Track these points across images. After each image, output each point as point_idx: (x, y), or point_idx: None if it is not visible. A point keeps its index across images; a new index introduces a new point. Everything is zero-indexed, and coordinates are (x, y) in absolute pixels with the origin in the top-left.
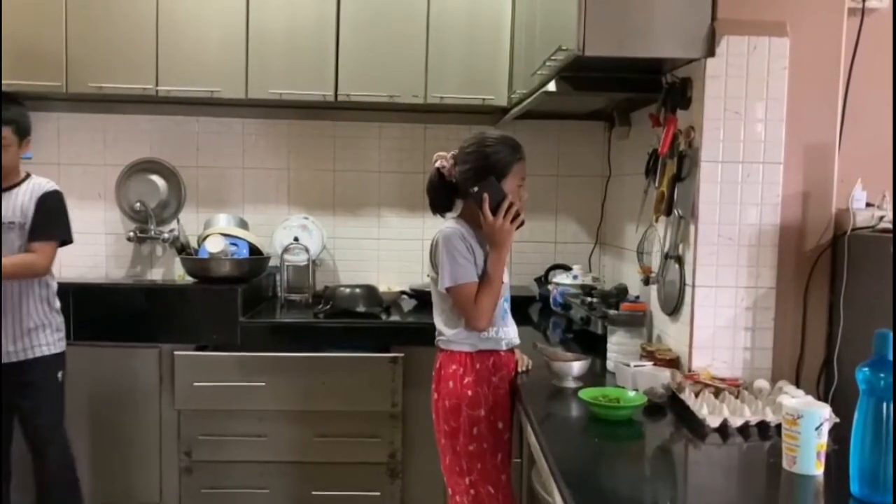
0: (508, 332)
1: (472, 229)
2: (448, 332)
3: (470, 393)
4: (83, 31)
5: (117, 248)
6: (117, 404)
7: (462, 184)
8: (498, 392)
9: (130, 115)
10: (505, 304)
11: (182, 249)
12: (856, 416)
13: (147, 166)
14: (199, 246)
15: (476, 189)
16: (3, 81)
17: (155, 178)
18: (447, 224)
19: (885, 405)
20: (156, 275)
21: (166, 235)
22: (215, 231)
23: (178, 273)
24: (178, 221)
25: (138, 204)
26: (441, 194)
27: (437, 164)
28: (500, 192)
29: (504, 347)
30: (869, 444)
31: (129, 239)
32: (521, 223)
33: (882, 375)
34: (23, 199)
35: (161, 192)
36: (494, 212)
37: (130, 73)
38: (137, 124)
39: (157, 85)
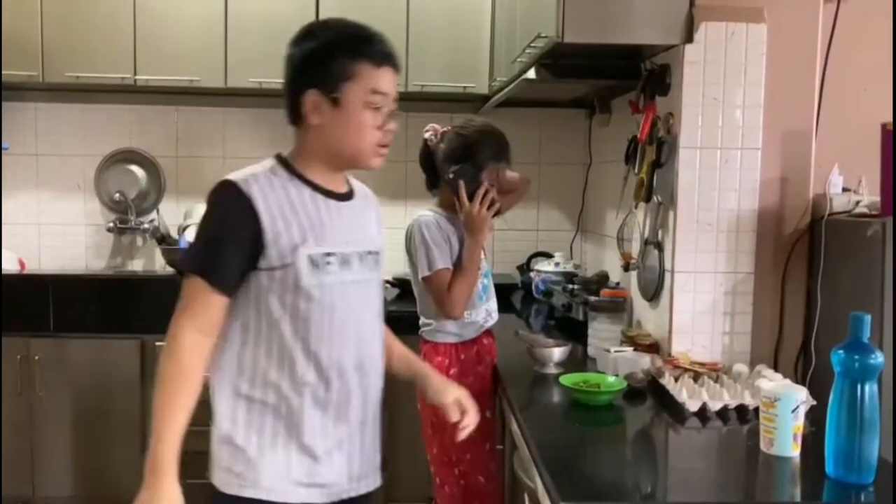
0: (485, 309)
1: (449, 216)
2: (432, 322)
3: (456, 384)
4: (59, 18)
5: (97, 239)
6: (99, 396)
7: (440, 164)
8: (483, 381)
9: (109, 104)
10: (485, 281)
11: (162, 240)
12: (831, 398)
13: (126, 156)
14: (179, 236)
15: (452, 175)
16: None
17: (134, 168)
18: (422, 212)
19: (859, 387)
20: (136, 266)
21: (146, 226)
22: (196, 221)
23: (158, 264)
24: (158, 212)
25: (118, 194)
26: (430, 168)
27: (425, 136)
28: (476, 180)
29: (486, 327)
30: (844, 426)
31: (109, 230)
32: (498, 211)
33: (857, 358)
34: (363, 211)
35: (141, 182)
36: (470, 199)
37: (108, 61)
38: (116, 114)
39: (135, 74)
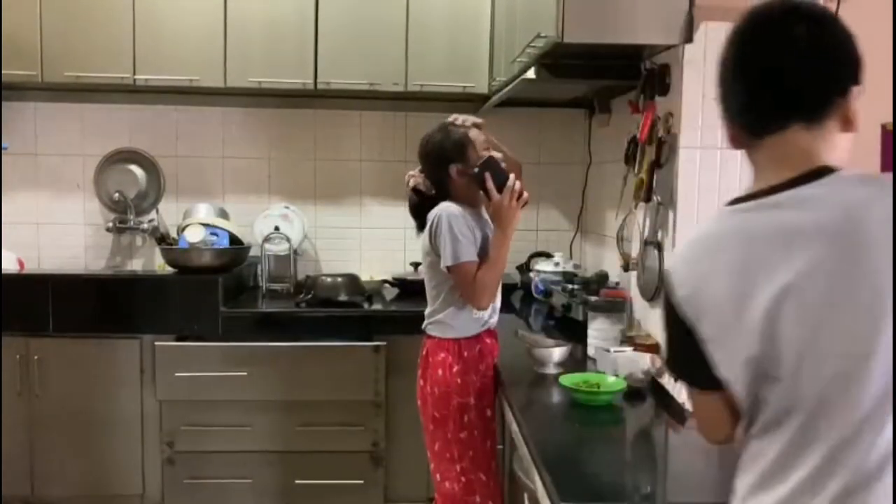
0: (491, 306)
1: (467, 210)
2: (440, 314)
3: (459, 381)
4: (58, 18)
5: (97, 239)
6: (98, 396)
7: (439, 187)
8: (485, 379)
9: (108, 104)
10: None
11: (162, 240)
12: None
13: (126, 156)
14: (179, 236)
15: (478, 169)
16: None
17: (134, 167)
18: (446, 203)
19: None
20: (136, 265)
21: (146, 226)
22: (195, 221)
23: (158, 263)
24: (158, 211)
25: (117, 194)
26: (427, 210)
27: (411, 185)
28: (502, 171)
29: (491, 325)
30: None
31: (108, 230)
32: (526, 202)
33: None
34: None
35: (140, 182)
36: (499, 191)
37: (107, 61)
38: (115, 114)
39: (134, 73)
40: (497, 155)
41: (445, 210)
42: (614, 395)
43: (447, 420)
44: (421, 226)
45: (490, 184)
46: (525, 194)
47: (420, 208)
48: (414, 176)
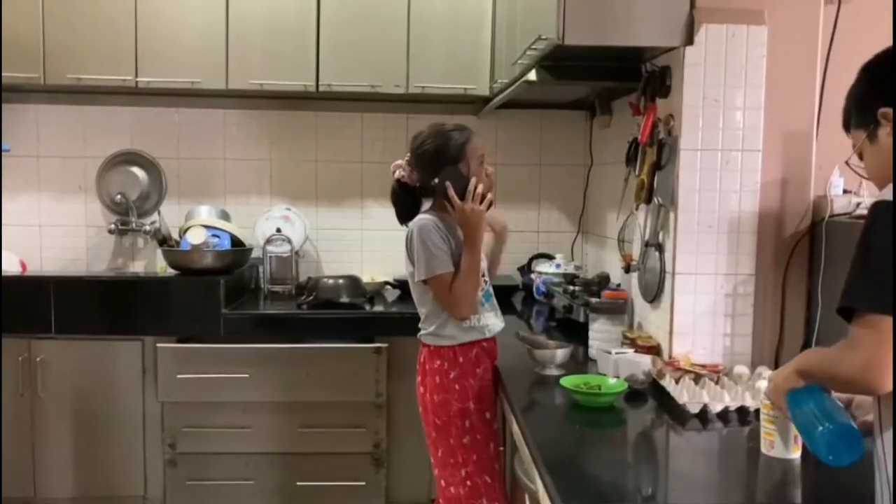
0: (489, 317)
1: (444, 219)
2: (430, 327)
3: (457, 387)
4: (60, 20)
5: (98, 241)
6: (100, 397)
7: (424, 183)
8: (483, 382)
9: (110, 106)
10: (489, 289)
11: (164, 241)
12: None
13: (127, 158)
14: (180, 238)
15: (437, 180)
16: None
17: (135, 169)
18: (420, 216)
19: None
20: (138, 267)
21: (147, 227)
22: (197, 223)
23: (160, 265)
24: (160, 213)
25: (119, 196)
26: (407, 203)
27: (396, 175)
28: (463, 178)
29: (487, 335)
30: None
31: (110, 231)
32: (490, 204)
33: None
34: None
35: (142, 183)
36: (461, 198)
37: (109, 63)
38: (117, 115)
39: (136, 76)
40: (490, 169)
41: (417, 224)
42: (615, 396)
43: (449, 426)
44: (401, 215)
45: (451, 192)
46: (489, 196)
47: (401, 199)
48: (400, 167)
